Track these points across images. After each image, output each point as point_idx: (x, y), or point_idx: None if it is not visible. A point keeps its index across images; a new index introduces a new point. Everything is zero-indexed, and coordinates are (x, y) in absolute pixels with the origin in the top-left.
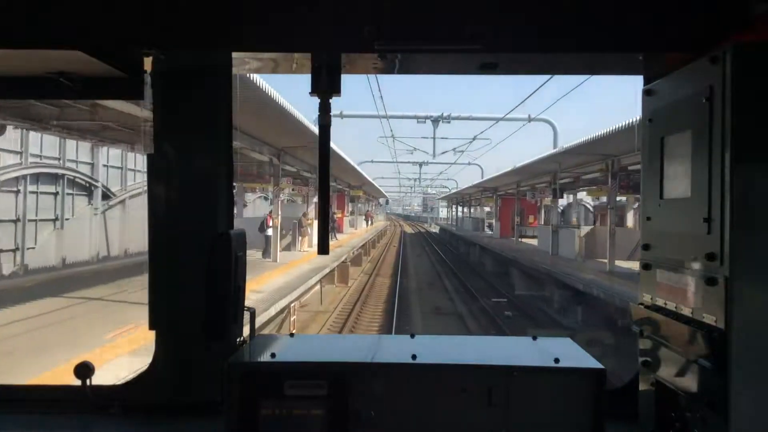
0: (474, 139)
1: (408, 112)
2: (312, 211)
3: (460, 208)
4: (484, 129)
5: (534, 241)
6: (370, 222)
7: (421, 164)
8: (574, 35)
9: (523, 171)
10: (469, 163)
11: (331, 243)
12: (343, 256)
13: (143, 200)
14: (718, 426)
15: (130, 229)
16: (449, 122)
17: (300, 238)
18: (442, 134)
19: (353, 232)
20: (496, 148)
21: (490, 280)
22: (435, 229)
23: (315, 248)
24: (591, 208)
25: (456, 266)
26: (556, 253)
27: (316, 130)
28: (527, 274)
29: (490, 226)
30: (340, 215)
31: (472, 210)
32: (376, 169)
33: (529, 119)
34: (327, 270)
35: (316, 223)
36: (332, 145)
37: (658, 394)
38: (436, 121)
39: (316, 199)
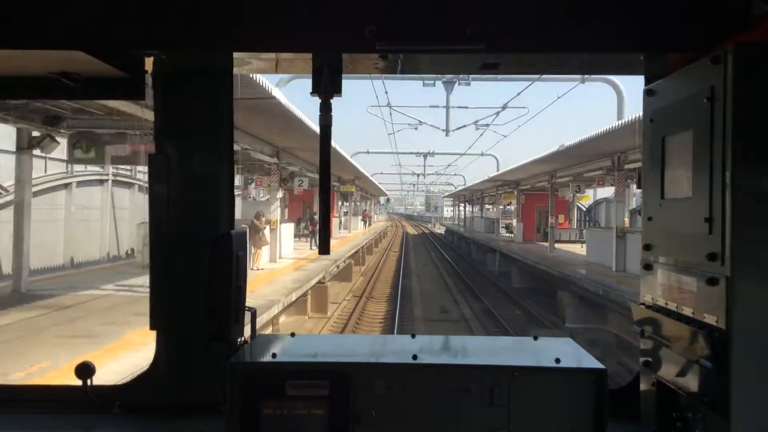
0: (504, 107)
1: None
2: (276, 212)
3: (468, 207)
4: (520, 90)
5: (571, 248)
6: (367, 223)
7: (426, 155)
8: (576, 35)
9: (574, 152)
10: (482, 154)
11: (309, 254)
12: (316, 276)
13: (63, 197)
14: (720, 426)
15: (41, 238)
16: (468, 84)
17: (254, 250)
18: (458, 102)
19: (344, 237)
20: (517, 136)
21: (530, 308)
22: (440, 230)
23: (277, 264)
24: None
25: (474, 282)
26: (622, 269)
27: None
28: (594, 305)
29: (508, 227)
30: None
31: (481, 209)
32: (373, 164)
33: (583, 79)
34: (277, 308)
35: (282, 228)
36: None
37: (659, 394)
38: (449, 83)
39: (280, 195)
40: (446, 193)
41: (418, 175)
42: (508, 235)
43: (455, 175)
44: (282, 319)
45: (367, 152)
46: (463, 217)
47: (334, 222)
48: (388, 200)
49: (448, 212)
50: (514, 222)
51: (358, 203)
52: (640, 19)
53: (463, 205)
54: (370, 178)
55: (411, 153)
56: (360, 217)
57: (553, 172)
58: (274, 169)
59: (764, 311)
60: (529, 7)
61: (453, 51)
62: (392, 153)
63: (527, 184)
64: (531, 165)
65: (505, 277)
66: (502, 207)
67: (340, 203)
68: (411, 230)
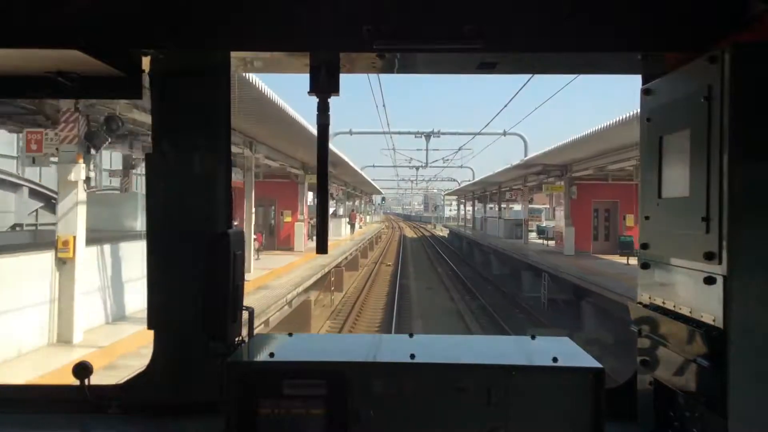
0: None
1: None
2: (75, 217)
3: (476, 207)
4: None
5: None
6: (354, 227)
7: (429, 135)
8: (573, 35)
9: None
10: (505, 133)
11: None
12: None
13: None
14: (717, 425)
15: None
16: None
17: None
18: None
19: (310, 251)
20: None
21: None
22: (442, 233)
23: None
24: None
25: (519, 332)
26: None
27: None
28: None
29: (542, 231)
30: (289, 219)
31: (499, 207)
32: (363, 157)
33: None
34: None
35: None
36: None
37: (656, 394)
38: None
39: (84, 175)
40: (448, 191)
41: (417, 168)
42: (541, 242)
43: (461, 167)
44: None
45: (350, 133)
46: (471, 217)
47: (298, 229)
48: (383, 199)
49: (449, 212)
50: (546, 223)
51: (348, 203)
52: (638, 18)
53: (471, 203)
54: (356, 168)
55: (410, 133)
56: (346, 220)
57: None
58: (66, 114)
59: (761, 310)
60: (526, 7)
61: (450, 50)
62: (384, 133)
63: (586, 168)
64: (613, 129)
65: (564, 318)
66: (517, 205)
67: (312, 200)
68: (409, 233)
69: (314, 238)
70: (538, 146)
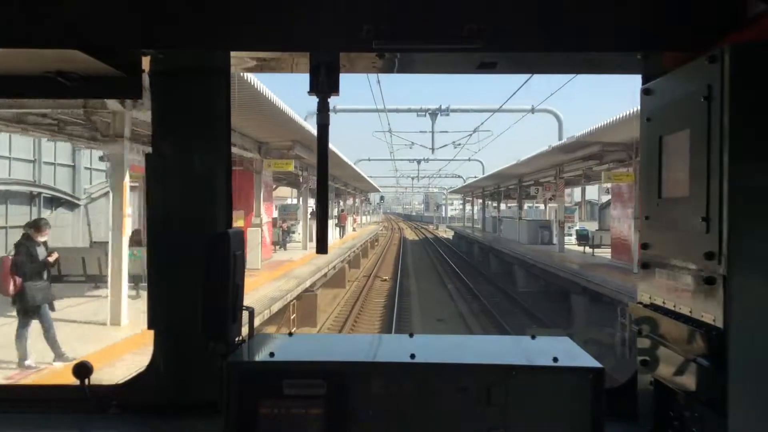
0: None
1: None
2: None
3: (485, 205)
4: None
5: None
6: (345, 229)
7: (435, 113)
8: (573, 35)
9: None
10: (534, 110)
11: None
12: None
13: None
14: (717, 424)
15: None
16: None
17: None
18: None
19: (280, 265)
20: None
21: None
22: (447, 235)
23: None
24: None
25: None
26: None
27: None
28: None
29: (583, 238)
30: (242, 223)
31: (519, 205)
32: (356, 151)
33: None
34: None
35: None
36: None
37: (656, 393)
38: None
39: None
40: (451, 188)
41: (419, 161)
42: (582, 249)
43: (470, 160)
44: None
45: (334, 111)
46: (480, 217)
47: (256, 237)
48: (382, 198)
49: (451, 212)
50: (580, 225)
51: (341, 202)
52: (638, 18)
53: (481, 201)
54: (347, 161)
55: (411, 111)
56: (334, 222)
57: None
58: None
59: (761, 310)
60: (526, 7)
61: (450, 50)
62: (378, 111)
63: None
64: None
65: None
66: (549, 203)
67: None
68: (410, 235)
69: (285, 247)
70: (572, 128)
